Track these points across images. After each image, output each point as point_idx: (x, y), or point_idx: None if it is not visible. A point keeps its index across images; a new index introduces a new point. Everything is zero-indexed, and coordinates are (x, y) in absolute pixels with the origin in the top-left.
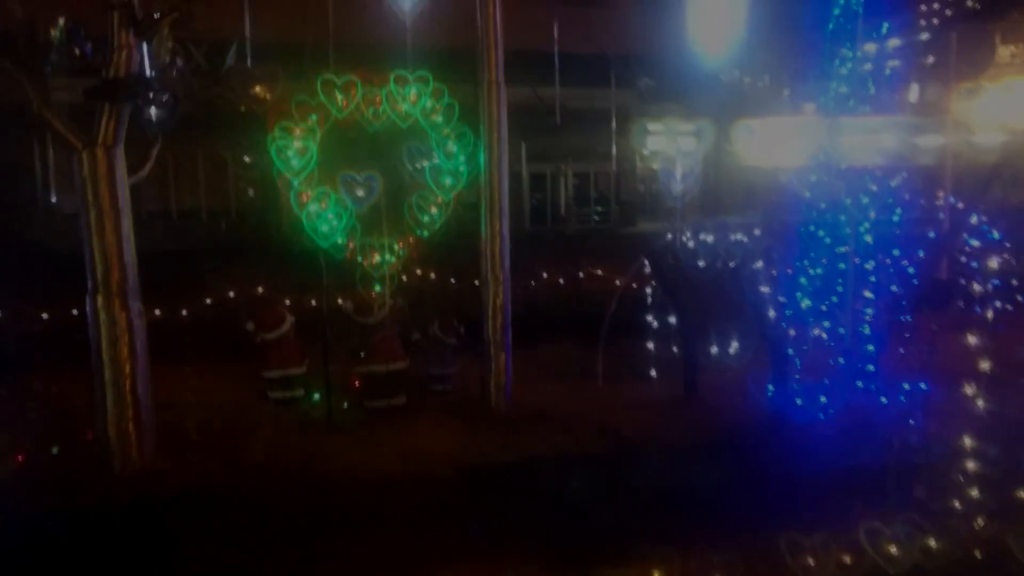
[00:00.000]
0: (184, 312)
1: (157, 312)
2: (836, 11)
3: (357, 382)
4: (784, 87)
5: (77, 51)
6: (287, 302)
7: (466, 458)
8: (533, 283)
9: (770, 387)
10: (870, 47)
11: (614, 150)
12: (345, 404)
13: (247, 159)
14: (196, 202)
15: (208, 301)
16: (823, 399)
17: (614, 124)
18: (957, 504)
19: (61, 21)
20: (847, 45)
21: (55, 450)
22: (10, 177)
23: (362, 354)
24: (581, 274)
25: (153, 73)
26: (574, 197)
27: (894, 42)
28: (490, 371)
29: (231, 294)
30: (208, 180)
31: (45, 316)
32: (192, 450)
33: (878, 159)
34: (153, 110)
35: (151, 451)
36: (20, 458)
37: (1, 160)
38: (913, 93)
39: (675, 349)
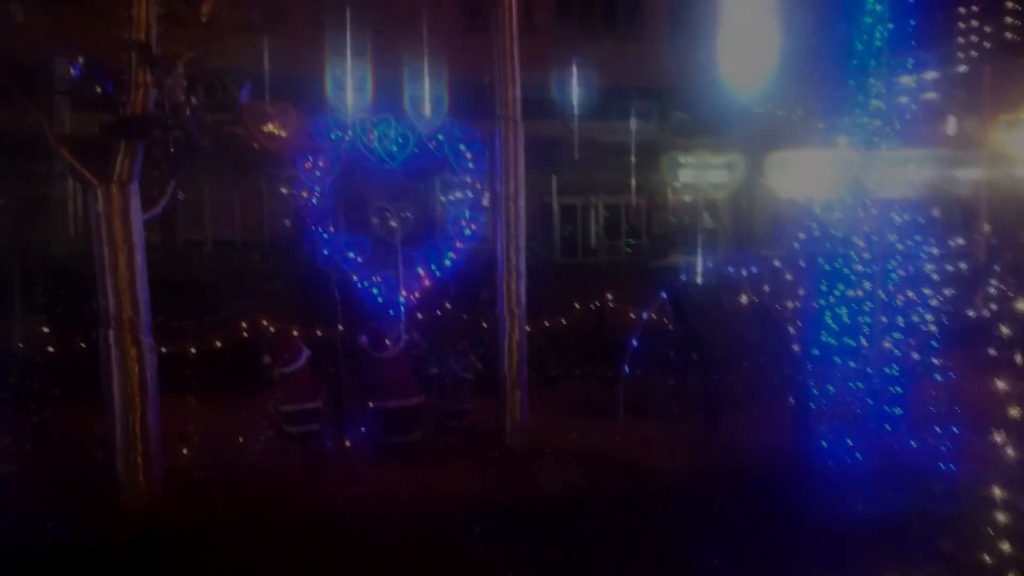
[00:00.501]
0: (203, 343)
1: (171, 345)
2: (859, 46)
3: (369, 417)
4: (817, 120)
5: (98, 89)
6: (294, 333)
7: (477, 497)
8: (560, 316)
9: (794, 428)
10: (906, 79)
11: (645, 183)
12: (359, 440)
13: (283, 190)
14: (232, 233)
15: (231, 333)
16: (849, 441)
17: (645, 157)
18: (989, 558)
19: (80, 59)
20: (877, 79)
21: (62, 482)
22: (43, 210)
23: (376, 389)
24: (609, 307)
25: (168, 111)
26: (605, 229)
27: (930, 74)
28: (506, 408)
29: (256, 325)
30: (243, 211)
31: (60, 347)
32: (202, 484)
33: (912, 192)
34: (167, 148)
35: (159, 485)
36: (26, 489)
37: (36, 193)
38: (950, 126)
39: (698, 386)
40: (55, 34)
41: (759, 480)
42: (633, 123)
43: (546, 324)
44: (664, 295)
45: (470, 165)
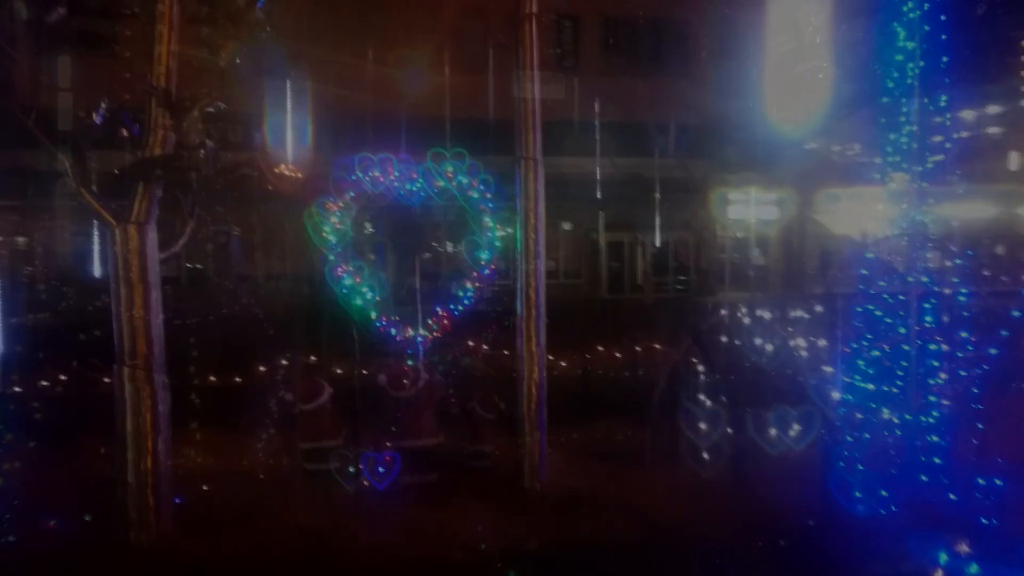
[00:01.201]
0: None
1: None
2: (889, 84)
3: (388, 457)
4: (872, 155)
5: (125, 132)
6: (315, 370)
7: (489, 542)
8: (600, 351)
9: (827, 477)
10: (967, 114)
11: (694, 219)
12: (376, 479)
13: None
14: (283, 267)
15: (261, 367)
16: (884, 492)
17: (694, 193)
18: None
19: (103, 104)
20: (936, 113)
21: (71, 519)
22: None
23: (393, 428)
24: (642, 344)
25: (185, 153)
26: (652, 266)
27: (993, 109)
28: (524, 451)
29: (284, 360)
30: (292, 246)
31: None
32: (215, 522)
33: (969, 229)
34: (184, 188)
35: (169, 523)
36: (36, 526)
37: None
38: (1013, 161)
39: (728, 431)
40: (79, 80)
41: (785, 532)
42: (681, 159)
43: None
44: (691, 335)
45: (491, 204)
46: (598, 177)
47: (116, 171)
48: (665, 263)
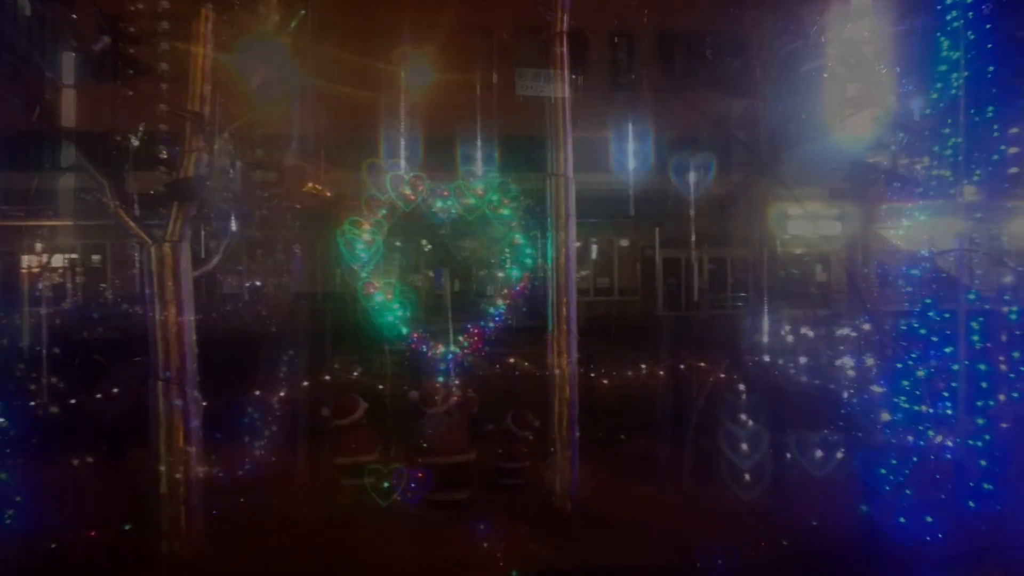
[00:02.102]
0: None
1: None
2: (933, 95)
3: (420, 473)
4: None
5: (164, 154)
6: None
7: (515, 563)
8: (644, 369)
9: (872, 502)
10: (1017, 126)
11: (753, 235)
12: (409, 495)
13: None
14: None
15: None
16: (929, 519)
17: (752, 209)
18: None
19: (141, 128)
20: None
21: (103, 530)
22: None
23: (425, 445)
24: (688, 363)
25: (217, 174)
26: (709, 282)
27: None
28: (555, 469)
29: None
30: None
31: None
32: (247, 534)
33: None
34: (217, 208)
35: (200, 536)
36: (68, 538)
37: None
38: None
39: (769, 452)
40: (118, 104)
41: (823, 558)
42: (739, 175)
43: (618, 378)
44: (732, 354)
45: (522, 221)
46: (654, 193)
47: (152, 192)
48: (723, 279)
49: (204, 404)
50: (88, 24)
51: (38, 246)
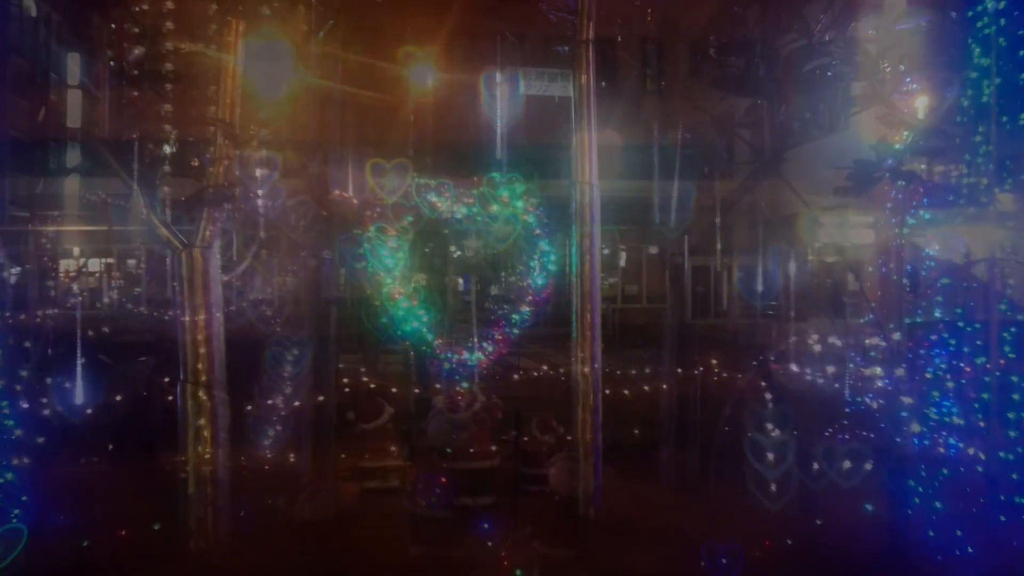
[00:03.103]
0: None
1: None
2: (964, 102)
3: (443, 478)
4: (976, 176)
5: (196, 162)
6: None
7: (537, 568)
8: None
9: (897, 514)
10: None
11: (783, 243)
12: (433, 500)
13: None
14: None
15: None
16: (959, 532)
17: (783, 216)
18: None
19: (172, 136)
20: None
21: (133, 529)
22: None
23: (448, 450)
24: (714, 371)
25: (246, 180)
26: (739, 290)
27: None
28: (578, 476)
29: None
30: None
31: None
32: (273, 534)
33: None
34: (245, 214)
35: (227, 535)
36: (99, 536)
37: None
38: None
39: (796, 462)
40: (150, 113)
41: (851, 574)
42: (767, 182)
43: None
44: (758, 362)
45: (546, 227)
46: (682, 201)
47: (183, 199)
48: (752, 288)
49: (231, 406)
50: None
51: (75, 250)
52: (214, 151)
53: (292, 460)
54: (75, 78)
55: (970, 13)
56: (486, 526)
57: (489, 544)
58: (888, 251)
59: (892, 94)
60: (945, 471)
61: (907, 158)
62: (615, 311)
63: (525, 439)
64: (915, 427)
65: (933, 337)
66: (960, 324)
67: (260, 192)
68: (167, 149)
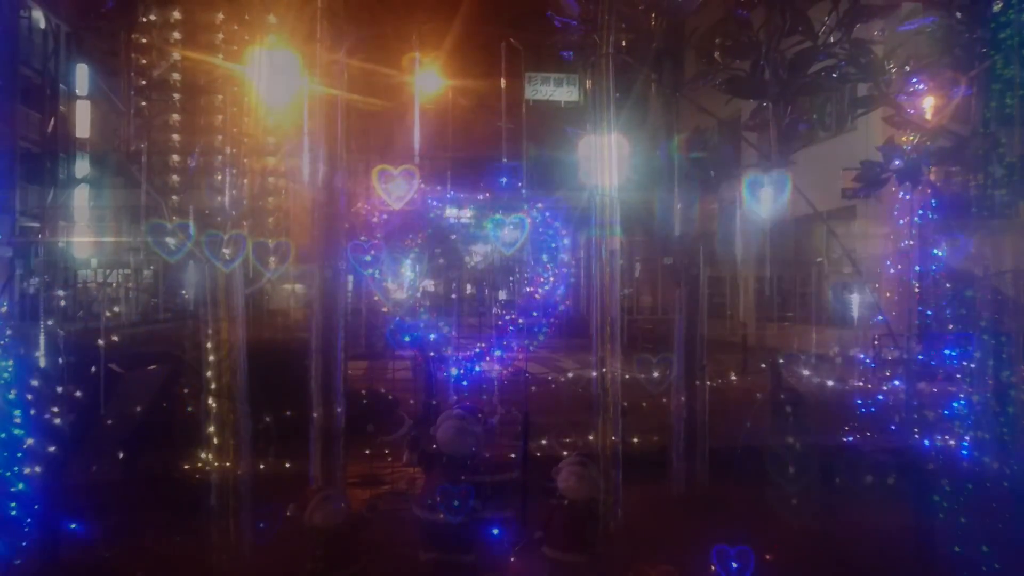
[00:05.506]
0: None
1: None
2: (987, 114)
3: (463, 490)
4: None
5: (219, 175)
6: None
7: None
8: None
9: (921, 529)
10: None
11: (799, 255)
12: (452, 511)
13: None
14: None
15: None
16: (985, 548)
17: (798, 228)
18: None
19: (197, 150)
20: None
21: (155, 540)
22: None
23: (468, 462)
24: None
25: (268, 194)
26: (755, 301)
27: None
28: (587, 481)
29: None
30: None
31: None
32: (294, 545)
33: None
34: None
35: (249, 547)
36: (121, 547)
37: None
38: None
39: (817, 476)
40: (176, 128)
41: None
42: (785, 193)
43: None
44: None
45: (565, 241)
46: (697, 212)
47: (207, 211)
48: (769, 299)
49: (251, 417)
50: (149, 52)
51: (93, 261)
52: (237, 164)
53: (302, 467)
54: (83, 88)
55: (993, 25)
56: (496, 531)
57: (499, 550)
58: (899, 256)
59: (898, 95)
60: (969, 486)
61: (915, 159)
62: (629, 323)
63: (535, 444)
64: (939, 440)
65: (955, 349)
66: (984, 337)
67: (283, 206)
68: (191, 162)
